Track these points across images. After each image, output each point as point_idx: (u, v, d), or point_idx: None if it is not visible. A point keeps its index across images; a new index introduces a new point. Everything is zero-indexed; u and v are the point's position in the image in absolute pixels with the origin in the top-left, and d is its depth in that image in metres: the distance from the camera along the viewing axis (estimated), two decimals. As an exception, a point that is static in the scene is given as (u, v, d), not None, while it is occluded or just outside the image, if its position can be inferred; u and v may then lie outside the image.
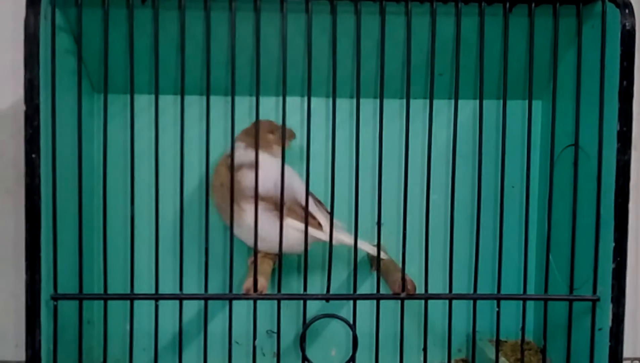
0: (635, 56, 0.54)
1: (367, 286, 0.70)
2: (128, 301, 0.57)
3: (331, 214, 0.58)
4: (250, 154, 0.60)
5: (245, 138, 0.63)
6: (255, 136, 0.56)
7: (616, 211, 0.55)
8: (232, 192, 0.57)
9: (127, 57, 0.56)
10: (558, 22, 0.57)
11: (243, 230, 0.60)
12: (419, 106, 0.63)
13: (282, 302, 0.59)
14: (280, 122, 0.60)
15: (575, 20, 0.58)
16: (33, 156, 0.52)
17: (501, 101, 0.58)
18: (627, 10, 0.54)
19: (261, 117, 0.58)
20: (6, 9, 0.70)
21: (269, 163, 0.60)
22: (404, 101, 0.57)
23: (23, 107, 0.52)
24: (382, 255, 0.60)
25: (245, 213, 0.60)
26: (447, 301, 0.58)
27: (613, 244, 0.55)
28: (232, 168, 0.57)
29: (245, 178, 0.60)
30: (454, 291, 0.58)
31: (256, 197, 0.56)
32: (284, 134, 0.58)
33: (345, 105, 0.65)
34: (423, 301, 0.58)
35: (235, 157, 0.59)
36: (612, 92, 0.55)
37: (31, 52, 0.52)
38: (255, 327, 0.58)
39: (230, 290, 0.58)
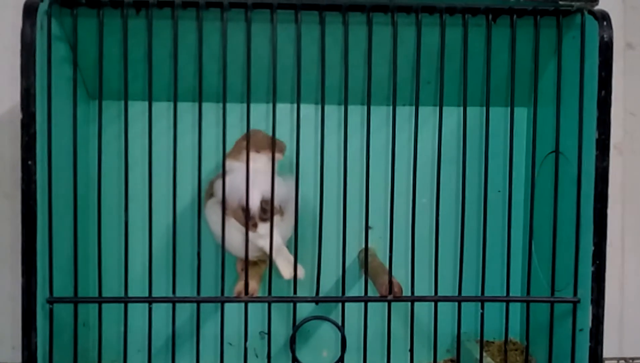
0: (612, 66, 0.56)
1: (356, 289, 0.72)
2: (122, 304, 0.59)
3: (320, 218, 0.59)
4: (238, 166, 0.62)
5: (232, 153, 0.63)
6: (247, 143, 0.58)
7: (595, 216, 0.56)
8: (224, 201, 0.58)
9: (122, 65, 0.57)
10: (539, 33, 0.58)
11: (217, 237, 0.62)
12: (405, 113, 0.64)
13: (273, 305, 0.60)
14: (269, 131, 0.61)
15: (556, 31, 0.59)
16: (29, 162, 0.53)
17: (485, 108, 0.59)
18: (605, 23, 0.55)
19: (252, 123, 0.59)
20: (4, 18, 0.71)
21: (239, 172, 0.60)
22: (391, 108, 0.59)
23: (20, 114, 0.53)
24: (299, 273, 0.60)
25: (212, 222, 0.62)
26: (433, 303, 0.60)
27: (592, 248, 0.56)
28: (223, 175, 0.58)
29: (216, 188, 0.61)
30: (440, 294, 0.60)
31: (223, 204, 0.58)
32: (273, 141, 0.59)
33: (334, 112, 0.66)
34: (410, 303, 0.60)
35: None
36: (591, 101, 0.56)
37: (28, 62, 0.53)
38: (246, 329, 0.59)
39: (222, 293, 0.59)
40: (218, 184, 0.61)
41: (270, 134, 0.59)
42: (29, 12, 0.53)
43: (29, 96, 0.53)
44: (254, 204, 0.59)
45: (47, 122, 0.55)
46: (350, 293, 0.71)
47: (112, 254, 0.67)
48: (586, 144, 0.57)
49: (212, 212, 0.62)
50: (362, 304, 0.60)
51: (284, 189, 0.61)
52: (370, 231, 0.64)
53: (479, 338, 0.69)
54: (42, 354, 0.55)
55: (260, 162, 0.62)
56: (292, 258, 0.60)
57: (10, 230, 0.73)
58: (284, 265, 0.60)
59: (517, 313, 0.73)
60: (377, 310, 0.66)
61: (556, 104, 0.58)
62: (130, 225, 0.58)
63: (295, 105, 0.60)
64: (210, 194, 0.63)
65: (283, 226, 0.61)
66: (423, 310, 0.66)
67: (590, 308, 0.56)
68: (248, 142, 0.58)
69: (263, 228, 0.59)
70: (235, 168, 0.62)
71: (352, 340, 0.61)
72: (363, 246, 0.69)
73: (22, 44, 0.53)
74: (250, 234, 0.59)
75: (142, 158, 0.60)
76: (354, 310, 0.64)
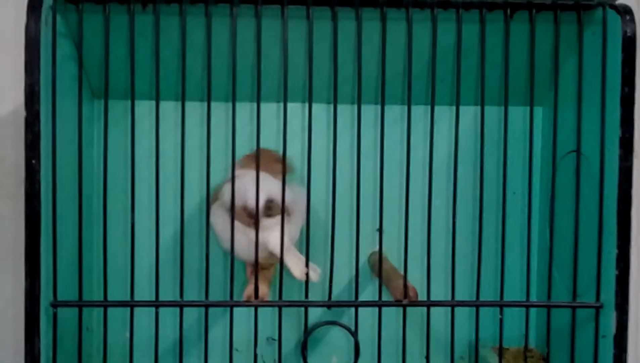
0: (636, 62, 0.54)
1: (369, 293, 0.70)
2: (128, 309, 0.57)
3: (332, 220, 0.58)
4: (245, 173, 0.61)
5: (246, 162, 0.63)
6: (257, 142, 0.57)
7: (619, 218, 0.55)
8: (233, 205, 0.57)
9: (128, 63, 0.56)
10: (559, 29, 0.57)
11: (223, 241, 0.61)
12: (420, 112, 0.63)
13: (284, 309, 0.59)
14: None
15: (576, 27, 0.58)
16: (33, 161, 0.52)
17: (503, 107, 0.58)
18: (627, 17, 0.54)
19: (262, 123, 0.58)
20: (8, 14, 0.71)
21: (249, 177, 0.59)
22: (405, 107, 0.57)
23: (24, 113, 0.52)
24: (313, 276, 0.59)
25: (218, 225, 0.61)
26: (449, 308, 0.58)
27: (616, 251, 0.55)
28: (232, 179, 0.57)
29: (222, 192, 0.61)
30: (456, 298, 0.58)
31: (232, 206, 0.56)
32: (284, 141, 0.58)
33: (346, 111, 0.65)
34: (425, 308, 0.58)
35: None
36: (614, 98, 0.55)
37: (32, 58, 0.52)
38: (256, 334, 0.58)
39: (231, 297, 0.58)
40: (223, 189, 0.60)
41: (280, 151, 0.58)
42: (34, 7, 0.53)
43: (33, 93, 0.52)
44: (260, 201, 0.58)
45: (51, 121, 0.54)
46: (360, 297, 0.69)
47: (117, 256, 0.66)
48: (608, 143, 0.55)
49: (215, 216, 0.61)
50: (374, 309, 0.59)
51: (290, 193, 0.59)
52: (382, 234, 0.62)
53: (493, 344, 0.68)
54: (45, 359, 0.54)
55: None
56: (302, 256, 0.59)
57: (14, 232, 0.72)
58: (294, 263, 0.58)
59: (534, 319, 0.71)
60: (390, 314, 0.64)
61: (577, 102, 0.57)
62: (136, 227, 0.57)
63: (305, 104, 0.59)
64: (215, 199, 0.62)
65: (290, 226, 0.60)
66: (436, 315, 0.64)
67: (614, 313, 0.55)
68: (258, 140, 0.57)
69: (266, 222, 0.57)
70: (244, 174, 0.60)
71: (364, 346, 0.60)
72: (373, 249, 0.68)
73: (26, 40, 0.52)
74: (253, 230, 0.57)
75: (148, 159, 0.59)
76: (365, 315, 0.62)
